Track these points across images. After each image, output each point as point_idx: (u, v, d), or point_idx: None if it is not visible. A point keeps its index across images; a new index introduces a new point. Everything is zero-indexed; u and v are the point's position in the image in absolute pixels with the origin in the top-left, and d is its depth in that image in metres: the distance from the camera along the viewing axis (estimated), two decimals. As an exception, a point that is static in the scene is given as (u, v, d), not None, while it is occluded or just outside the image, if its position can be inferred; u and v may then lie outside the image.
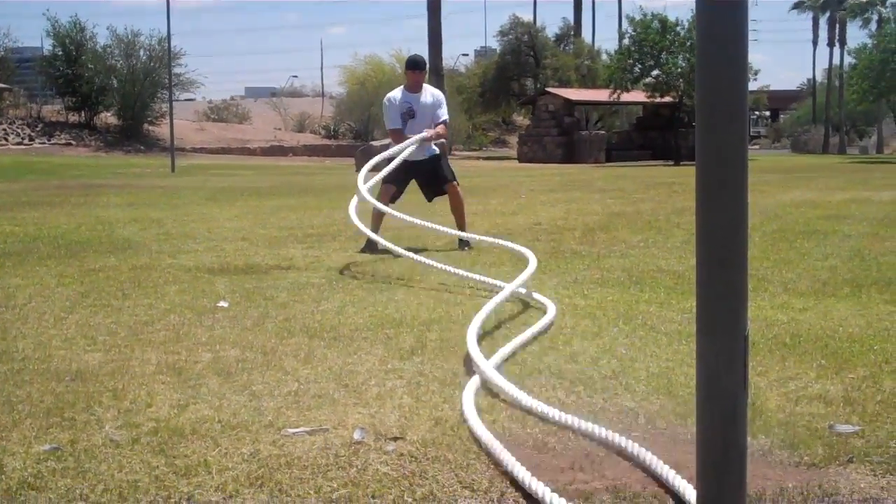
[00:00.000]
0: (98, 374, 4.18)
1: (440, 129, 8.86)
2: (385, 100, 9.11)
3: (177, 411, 3.64)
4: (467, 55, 78.66)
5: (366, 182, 8.11)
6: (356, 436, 3.34)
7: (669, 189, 18.19)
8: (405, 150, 8.48)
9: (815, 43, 68.45)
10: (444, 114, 8.95)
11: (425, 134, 8.68)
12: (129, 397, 3.83)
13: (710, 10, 2.18)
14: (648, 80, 41.68)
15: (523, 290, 5.93)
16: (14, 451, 3.19)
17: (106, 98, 45.18)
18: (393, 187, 8.75)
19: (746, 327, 2.22)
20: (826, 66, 67.44)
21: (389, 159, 8.52)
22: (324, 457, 3.15)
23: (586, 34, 64.95)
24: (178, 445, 3.25)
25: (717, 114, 2.18)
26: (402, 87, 9.10)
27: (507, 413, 3.61)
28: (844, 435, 3.32)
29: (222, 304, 5.89)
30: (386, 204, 8.54)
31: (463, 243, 8.67)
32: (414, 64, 9.07)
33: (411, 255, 7.29)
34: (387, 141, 8.80)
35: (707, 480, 2.24)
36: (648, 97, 42.28)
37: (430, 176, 8.90)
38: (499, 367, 4.17)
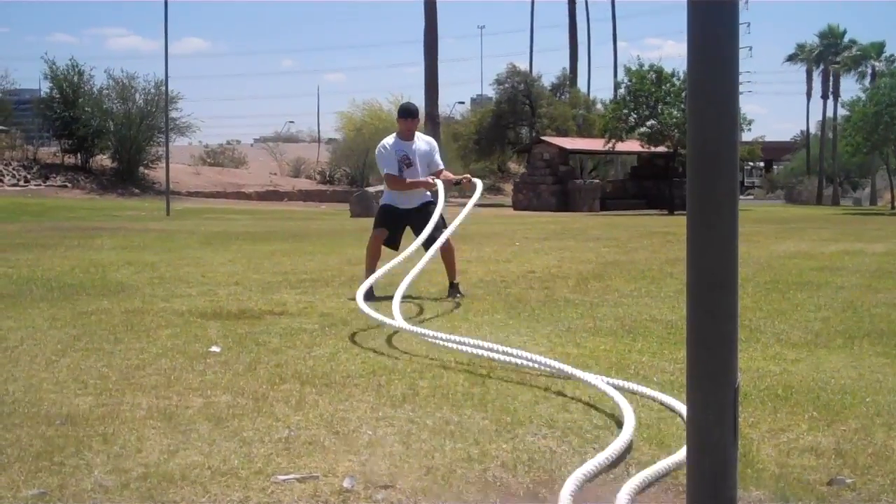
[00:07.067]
0: (88, 419, 4.17)
1: (448, 174, 8.88)
2: (379, 147, 8.96)
3: (167, 457, 3.62)
4: (463, 103, 79.13)
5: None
6: (346, 483, 3.32)
7: (663, 238, 18.22)
8: (466, 207, 8.37)
9: (808, 95, 68.99)
10: (440, 161, 8.96)
11: (434, 180, 8.66)
12: (119, 442, 3.81)
13: (701, 63, 2.21)
14: (643, 129, 41.89)
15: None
16: (1, 496, 3.17)
17: (102, 141, 45.34)
18: (385, 231, 8.73)
19: (736, 379, 2.22)
20: (820, 117, 67.93)
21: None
22: (313, 504, 3.13)
23: (582, 83, 65.42)
24: (167, 492, 3.23)
25: (708, 166, 2.20)
26: (394, 134, 8.98)
27: (498, 462, 3.60)
28: (836, 487, 3.31)
29: (214, 349, 5.88)
30: (379, 248, 8.53)
31: (454, 290, 8.65)
32: (406, 112, 8.99)
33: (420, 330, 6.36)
34: (381, 187, 8.74)
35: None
36: (643, 147, 42.51)
37: (422, 223, 8.76)
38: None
